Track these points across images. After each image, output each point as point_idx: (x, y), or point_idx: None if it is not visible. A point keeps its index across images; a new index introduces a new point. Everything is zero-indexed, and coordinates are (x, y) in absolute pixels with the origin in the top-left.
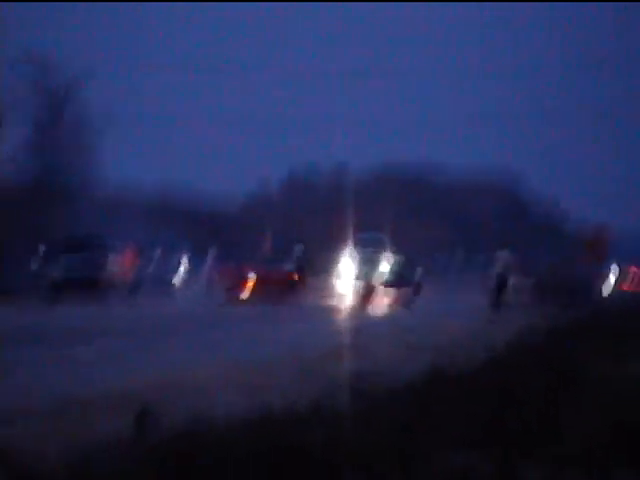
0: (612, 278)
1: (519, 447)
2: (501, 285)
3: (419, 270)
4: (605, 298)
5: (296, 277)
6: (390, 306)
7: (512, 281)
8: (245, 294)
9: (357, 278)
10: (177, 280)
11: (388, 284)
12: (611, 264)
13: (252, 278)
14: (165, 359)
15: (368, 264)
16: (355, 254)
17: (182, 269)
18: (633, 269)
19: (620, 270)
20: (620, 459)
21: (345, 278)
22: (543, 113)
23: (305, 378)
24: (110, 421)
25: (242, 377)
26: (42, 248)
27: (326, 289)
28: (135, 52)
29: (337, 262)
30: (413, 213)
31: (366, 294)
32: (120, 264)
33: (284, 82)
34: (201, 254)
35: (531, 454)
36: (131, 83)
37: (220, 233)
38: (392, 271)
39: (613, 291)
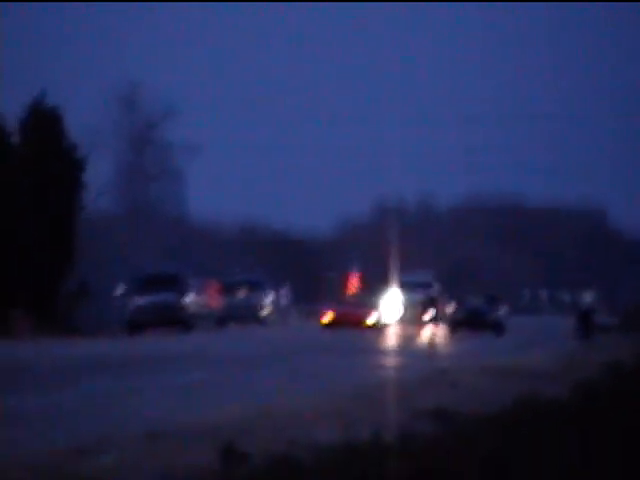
0: None
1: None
2: (586, 324)
3: (503, 309)
4: None
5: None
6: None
7: (598, 320)
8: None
9: (408, 319)
10: (263, 313)
11: (459, 324)
12: None
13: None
14: (253, 390)
15: (412, 306)
16: (403, 295)
17: (268, 303)
18: None
19: None
20: None
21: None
22: (628, 140)
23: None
24: (203, 452)
25: (328, 405)
26: (123, 285)
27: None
28: (218, 85)
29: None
30: (499, 246)
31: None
32: (203, 300)
33: (366, 114)
34: (286, 287)
35: None
36: (215, 115)
37: (305, 266)
38: (464, 311)
39: None
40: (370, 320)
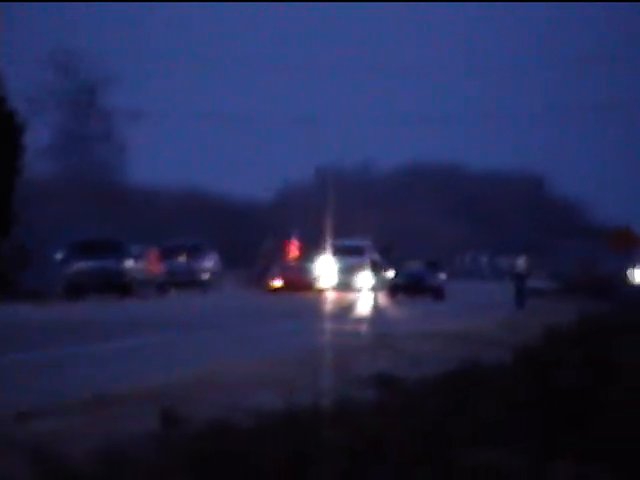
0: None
1: (550, 443)
2: (520, 287)
3: (442, 275)
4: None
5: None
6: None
7: (532, 283)
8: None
9: (337, 285)
10: (203, 279)
11: (398, 289)
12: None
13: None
14: (196, 355)
15: (346, 271)
16: (338, 260)
17: (207, 268)
18: None
19: None
20: None
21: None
22: (567, 111)
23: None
24: (143, 415)
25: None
26: (63, 250)
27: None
28: (163, 51)
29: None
30: (440, 213)
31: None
32: (143, 266)
33: (308, 79)
34: (215, 253)
35: (562, 450)
36: (158, 82)
37: (245, 232)
38: (403, 276)
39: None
40: (311, 286)
